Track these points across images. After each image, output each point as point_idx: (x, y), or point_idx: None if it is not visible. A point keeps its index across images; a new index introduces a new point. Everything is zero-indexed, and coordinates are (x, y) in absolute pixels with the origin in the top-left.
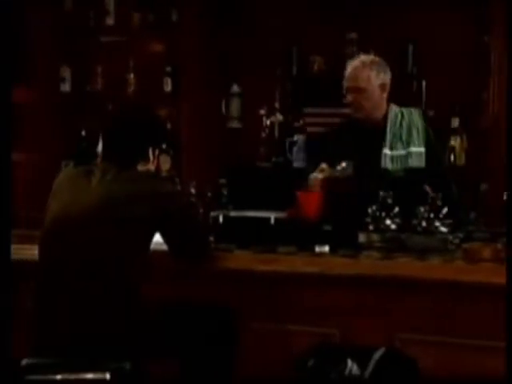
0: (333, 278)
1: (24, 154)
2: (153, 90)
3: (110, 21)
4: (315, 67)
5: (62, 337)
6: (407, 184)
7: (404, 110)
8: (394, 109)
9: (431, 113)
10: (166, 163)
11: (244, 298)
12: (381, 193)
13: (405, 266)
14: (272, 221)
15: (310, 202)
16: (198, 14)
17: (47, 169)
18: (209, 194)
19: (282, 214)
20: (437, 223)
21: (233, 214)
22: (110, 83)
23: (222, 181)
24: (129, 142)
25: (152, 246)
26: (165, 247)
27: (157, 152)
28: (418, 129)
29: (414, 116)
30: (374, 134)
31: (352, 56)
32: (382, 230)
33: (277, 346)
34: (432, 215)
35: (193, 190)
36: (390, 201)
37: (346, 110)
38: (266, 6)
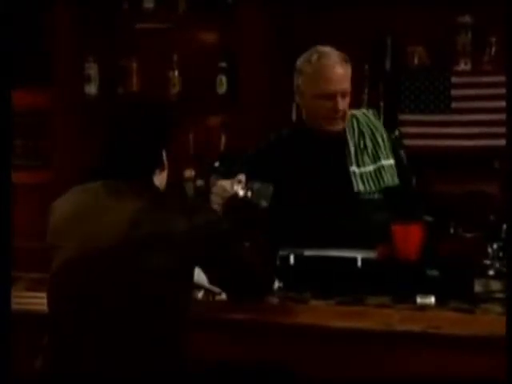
0: (440, 339)
1: (39, 174)
2: (203, 91)
3: (148, 3)
4: (415, 61)
5: None
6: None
7: (355, 112)
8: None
9: None
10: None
11: (322, 363)
12: (504, 226)
13: None
14: (359, 262)
15: (410, 239)
16: None
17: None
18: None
19: (371, 254)
20: None
21: (307, 252)
22: (148, 83)
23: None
24: (144, 147)
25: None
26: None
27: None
28: (381, 135)
29: (371, 118)
30: (336, 147)
31: (464, 46)
32: (505, 275)
33: None
34: None
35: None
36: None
37: (457, 117)
38: None
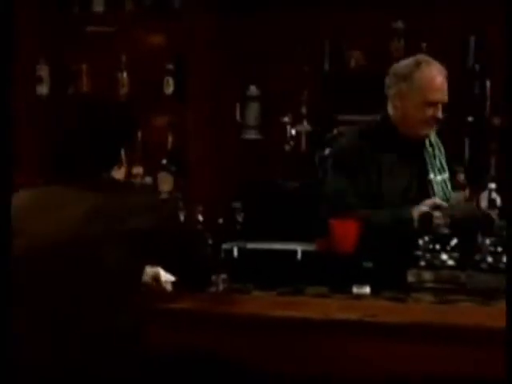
0: (375, 327)
1: None
2: (151, 92)
3: (98, 7)
4: (352, 64)
5: None
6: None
7: None
8: None
9: (497, 121)
10: (166, 183)
11: (263, 352)
12: (435, 220)
13: (465, 312)
14: (299, 255)
15: (347, 232)
16: None
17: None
18: (220, 221)
19: (310, 247)
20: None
21: (250, 246)
22: (98, 84)
23: (237, 205)
24: (101, 145)
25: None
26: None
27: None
28: (443, 148)
29: (434, 132)
30: (419, 152)
31: (398, 51)
32: (436, 267)
33: None
34: (500, 249)
35: (200, 217)
36: (445, 230)
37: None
38: None
